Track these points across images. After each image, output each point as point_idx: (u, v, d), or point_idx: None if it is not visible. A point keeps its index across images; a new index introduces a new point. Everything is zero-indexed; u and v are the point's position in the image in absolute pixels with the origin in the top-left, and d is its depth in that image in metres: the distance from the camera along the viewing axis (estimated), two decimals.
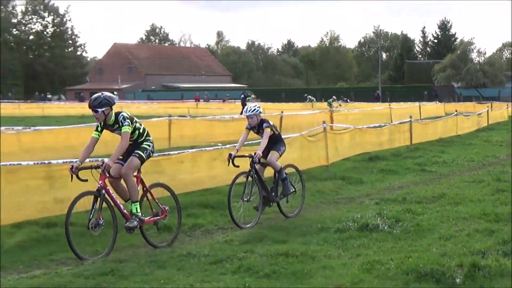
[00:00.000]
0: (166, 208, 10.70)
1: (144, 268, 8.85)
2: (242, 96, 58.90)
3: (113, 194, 9.95)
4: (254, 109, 12.60)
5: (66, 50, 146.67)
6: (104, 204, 9.82)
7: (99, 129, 9.97)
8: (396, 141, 24.75)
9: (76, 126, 23.72)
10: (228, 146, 16.38)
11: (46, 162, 12.82)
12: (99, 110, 9.78)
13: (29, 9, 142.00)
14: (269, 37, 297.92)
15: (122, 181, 10.18)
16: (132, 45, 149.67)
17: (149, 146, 10.27)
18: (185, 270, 8.66)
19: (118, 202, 10.03)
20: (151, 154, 10.44)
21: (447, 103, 60.00)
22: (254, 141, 15.51)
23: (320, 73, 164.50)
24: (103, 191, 9.63)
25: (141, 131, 10.26)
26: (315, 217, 12.25)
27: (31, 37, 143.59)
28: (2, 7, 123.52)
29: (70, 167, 9.60)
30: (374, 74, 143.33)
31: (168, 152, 16.20)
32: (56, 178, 12.34)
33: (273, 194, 12.60)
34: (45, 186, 12.05)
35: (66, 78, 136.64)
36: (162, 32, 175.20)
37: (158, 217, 10.59)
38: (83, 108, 66.74)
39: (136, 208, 9.96)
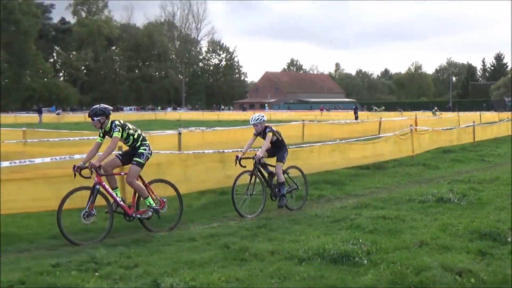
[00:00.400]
0: (164, 200, 9.14)
1: (286, 224, 8.86)
2: (354, 107, 58.13)
3: (109, 189, 8.50)
4: (258, 118, 10.53)
5: (234, 76, 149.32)
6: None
7: (101, 135, 8.64)
8: (462, 139, 23.93)
9: (239, 127, 24.06)
10: (343, 141, 16.17)
11: (220, 151, 13.05)
12: (95, 118, 8.47)
13: (210, 49, 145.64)
14: (371, 66, 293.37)
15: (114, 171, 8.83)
16: (277, 72, 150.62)
17: (145, 150, 8.74)
18: (313, 226, 8.62)
19: (115, 195, 8.58)
20: (149, 156, 8.84)
21: (500, 112, 57.01)
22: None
23: (407, 91, 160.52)
24: (97, 186, 8.28)
25: (135, 136, 8.74)
26: (404, 192, 11.86)
27: (211, 67, 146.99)
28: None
29: (73, 166, 8.21)
30: (446, 92, 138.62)
31: (302, 145, 16.16)
32: (226, 162, 12.52)
33: (276, 190, 10.45)
34: (219, 167, 12.26)
35: (233, 95, 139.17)
36: (298, 63, 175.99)
37: (156, 208, 8.93)
38: (244, 115, 67.92)
39: (149, 201, 8.74)
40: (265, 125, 10.57)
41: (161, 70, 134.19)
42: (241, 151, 10.91)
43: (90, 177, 8.25)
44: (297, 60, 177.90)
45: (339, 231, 8.09)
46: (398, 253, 6.72)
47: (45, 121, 54.15)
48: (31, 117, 57.77)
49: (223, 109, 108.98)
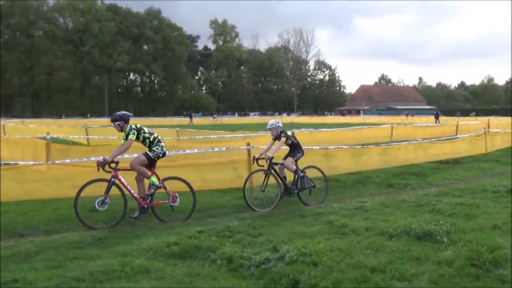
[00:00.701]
0: (176, 195, 8.18)
1: (378, 207, 8.48)
2: (435, 113, 55.01)
3: (125, 182, 7.84)
4: (273, 124, 9.22)
5: (335, 89, 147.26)
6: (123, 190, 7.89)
7: (124, 137, 7.91)
8: None
9: (339, 129, 23.77)
10: (426, 140, 15.46)
11: (325, 147, 12.92)
12: (115, 123, 7.92)
13: (316, 67, 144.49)
14: (449, 78, 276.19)
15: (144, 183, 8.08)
16: (370, 85, 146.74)
17: (157, 149, 7.95)
18: (401, 209, 8.23)
19: (129, 188, 7.87)
20: (160, 155, 7.99)
21: None
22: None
23: (481, 100, 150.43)
24: (113, 179, 7.68)
25: (151, 139, 7.99)
26: (479, 183, 11.06)
27: (317, 82, 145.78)
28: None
29: (97, 162, 7.70)
30: None
31: (391, 143, 15.67)
32: (329, 156, 12.36)
33: (292, 187, 9.20)
34: (324, 159, 12.10)
35: (334, 103, 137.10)
36: (387, 77, 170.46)
37: (167, 201, 8.15)
38: (343, 119, 66.87)
39: (152, 180, 7.92)
40: (281, 130, 9.24)
41: (278, 84, 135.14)
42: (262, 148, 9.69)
43: (111, 172, 7.73)
44: (387, 75, 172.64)
45: (422, 214, 7.71)
46: (474, 234, 6.31)
47: (202, 123, 56.11)
48: (182, 120, 60.28)
49: (326, 114, 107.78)
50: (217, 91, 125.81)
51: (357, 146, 13.94)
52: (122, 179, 7.81)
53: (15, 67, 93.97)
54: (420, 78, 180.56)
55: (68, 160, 9.38)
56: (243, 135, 19.16)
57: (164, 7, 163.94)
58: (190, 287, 4.71)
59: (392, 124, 26.45)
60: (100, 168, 7.61)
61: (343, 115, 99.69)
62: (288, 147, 9.47)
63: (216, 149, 11.12)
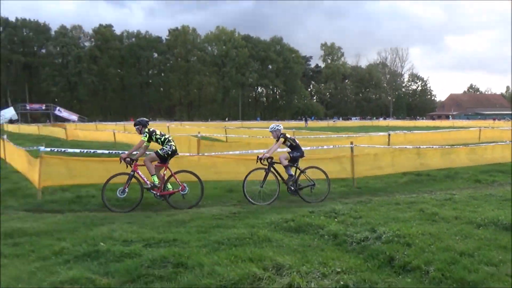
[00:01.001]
0: (184, 185, 7.65)
1: (466, 199, 7.58)
2: None
3: (142, 175, 7.52)
4: (273, 127, 8.20)
5: (426, 97, 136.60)
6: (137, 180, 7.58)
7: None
8: None
9: (429, 131, 22.05)
10: (494, 144, 13.66)
11: (417, 146, 12.08)
12: (136, 127, 7.65)
13: (410, 79, 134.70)
14: None
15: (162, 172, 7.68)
16: (459, 94, 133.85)
17: (166, 147, 7.50)
18: (488, 202, 7.27)
19: (146, 179, 7.54)
20: (169, 152, 7.51)
21: None
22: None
23: None
24: (132, 172, 7.41)
25: (162, 140, 7.56)
26: None
27: (410, 91, 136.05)
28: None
29: (120, 157, 7.45)
30: None
31: (479, 144, 14.15)
32: (421, 154, 11.51)
33: (291, 185, 8.12)
34: (416, 157, 11.31)
35: (425, 109, 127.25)
36: (475, 86, 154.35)
37: (177, 190, 7.65)
38: (434, 123, 61.69)
39: (154, 178, 7.47)
40: (281, 133, 8.21)
41: (376, 94, 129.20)
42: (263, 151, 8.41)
43: (131, 165, 7.47)
44: (475, 85, 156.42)
45: (509, 207, 6.77)
46: None
47: (315, 126, 55.04)
48: (299, 123, 60.44)
49: (418, 119, 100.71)
50: (325, 100, 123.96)
51: (446, 146, 12.82)
52: (140, 173, 7.60)
53: (176, 84, 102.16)
54: (508, 87, 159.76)
55: (213, 153, 9.90)
56: (346, 135, 18.67)
57: (285, 35, 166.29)
58: (303, 255, 4.69)
59: (480, 127, 23.88)
60: (126, 164, 7.45)
61: (434, 119, 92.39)
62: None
63: (325, 146, 10.97)
